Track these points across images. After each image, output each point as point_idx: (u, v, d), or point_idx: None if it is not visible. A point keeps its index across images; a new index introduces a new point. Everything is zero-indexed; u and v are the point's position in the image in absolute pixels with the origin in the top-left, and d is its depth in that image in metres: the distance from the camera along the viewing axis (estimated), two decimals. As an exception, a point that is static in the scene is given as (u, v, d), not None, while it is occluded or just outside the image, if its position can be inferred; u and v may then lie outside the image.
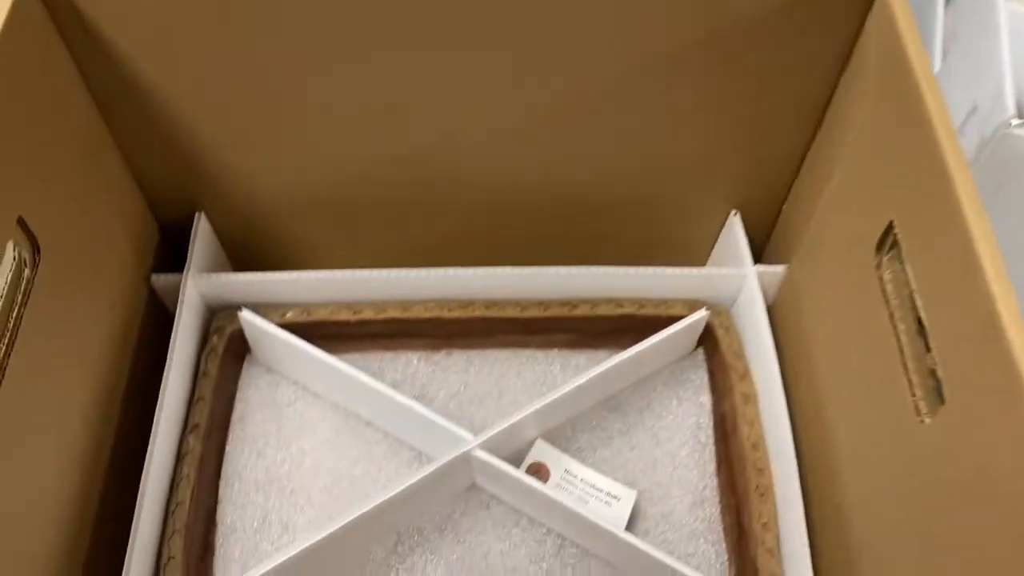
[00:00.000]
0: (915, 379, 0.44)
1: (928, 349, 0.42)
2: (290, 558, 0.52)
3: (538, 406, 0.57)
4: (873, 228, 0.47)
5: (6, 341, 0.44)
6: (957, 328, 0.39)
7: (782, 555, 0.55)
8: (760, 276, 0.62)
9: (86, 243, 0.53)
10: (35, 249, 0.47)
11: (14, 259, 0.45)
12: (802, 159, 0.61)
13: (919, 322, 0.43)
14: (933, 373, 0.41)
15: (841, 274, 0.53)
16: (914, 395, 0.43)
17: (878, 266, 0.47)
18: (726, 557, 0.58)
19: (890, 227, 0.46)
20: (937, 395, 0.41)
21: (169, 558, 0.54)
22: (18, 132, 0.45)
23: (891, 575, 0.47)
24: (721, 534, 0.59)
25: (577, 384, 0.58)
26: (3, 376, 0.44)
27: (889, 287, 0.47)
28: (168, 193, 0.62)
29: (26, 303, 0.46)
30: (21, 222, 0.45)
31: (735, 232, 0.65)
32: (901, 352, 0.45)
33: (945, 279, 0.40)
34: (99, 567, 0.53)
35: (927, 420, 0.42)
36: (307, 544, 0.52)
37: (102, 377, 0.55)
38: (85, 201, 0.53)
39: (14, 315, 0.45)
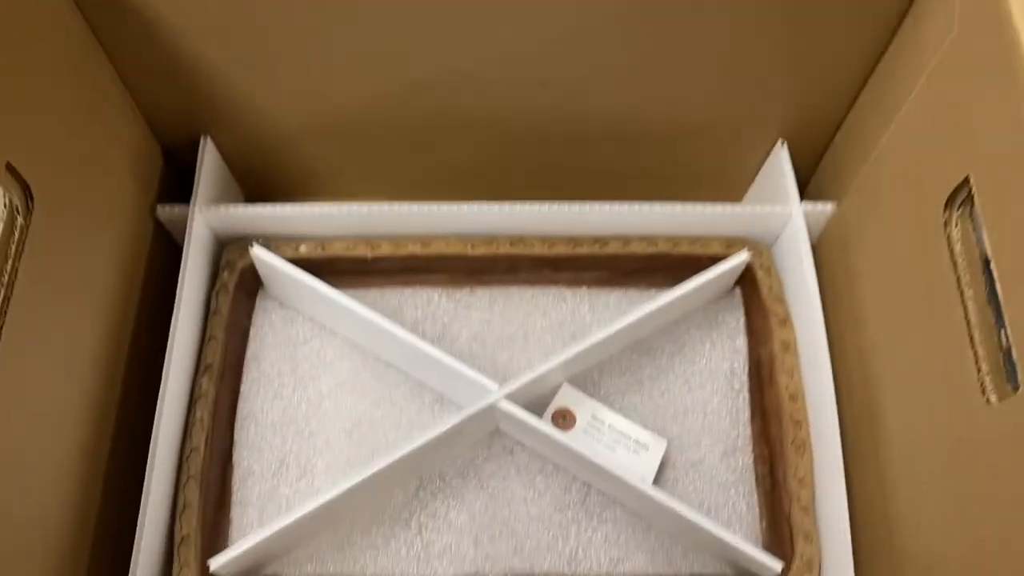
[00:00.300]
0: (982, 353, 0.40)
1: (1001, 324, 0.38)
2: (312, 510, 0.50)
3: (566, 356, 0.54)
4: (944, 180, 0.43)
5: (1, 296, 0.41)
6: (1039, 307, 0.36)
7: (817, 513, 0.53)
8: (806, 215, 0.58)
9: (84, 178, 0.50)
10: (27, 195, 0.43)
11: (4, 207, 0.42)
12: (862, 86, 0.55)
13: (991, 291, 0.39)
14: (1007, 352, 0.38)
15: (901, 224, 0.48)
16: (979, 370, 0.40)
17: (946, 223, 0.43)
18: (757, 510, 0.56)
19: (965, 182, 0.41)
20: (1009, 378, 0.38)
21: (185, 505, 0.53)
22: None
23: (934, 551, 0.45)
24: (753, 485, 0.57)
25: (606, 334, 0.55)
26: (1, 328, 0.41)
27: (957, 247, 0.43)
28: (171, 116, 0.58)
29: (21, 254, 0.43)
30: (10, 168, 0.41)
31: (781, 164, 0.60)
32: (967, 321, 0.41)
33: (1028, 250, 0.36)
34: (113, 517, 0.52)
35: (994, 401, 0.39)
36: (329, 496, 0.50)
37: (109, 319, 0.53)
38: (79, 132, 0.49)
39: (8, 267, 0.42)
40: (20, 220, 0.43)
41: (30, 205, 0.43)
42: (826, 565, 0.51)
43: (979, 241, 0.40)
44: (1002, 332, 0.38)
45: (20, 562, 0.44)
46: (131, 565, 0.49)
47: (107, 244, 0.53)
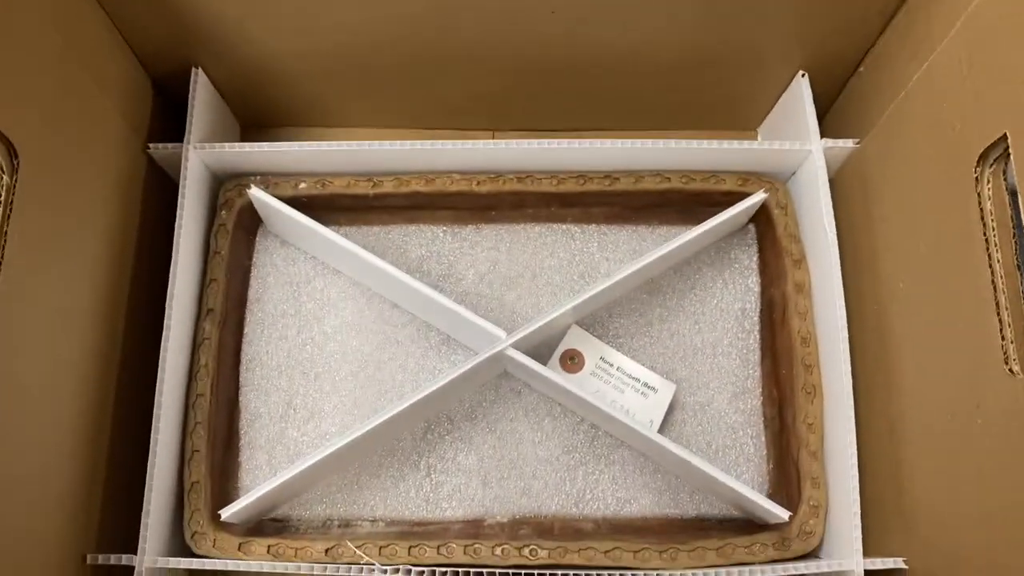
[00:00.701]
0: (1007, 320, 0.39)
1: (1032, 296, 0.37)
2: (321, 458, 0.50)
3: (574, 302, 0.53)
4: (980, 135, 0.41)
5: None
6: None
7: (825, 459, 0.53)
8: (825, 151, 0.55)
9: (70, 122, 0.47)
10: (11, 153, 0.41)
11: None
12: (890, 17, 0.52)
13: (1022, 258, 0.38)
14: (1035, 326, 0.37)
15: (929, 173, 0.46)
16: (1003, 338, 0.39)
17: (978, 179, 0.41)
18: (764, 452, 0.56)
19: (1001, 140, 0.39)
20: (1036, 353, 0.37)
21: (193, 451, 0.53)
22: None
23: (946, 504, 0.45)
24: (761, 427, 0.57)
25: (617, 278, 0.53)
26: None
27: (988, 206, 0.41)
28: (160, 46, 0.55)
29: (9, 214, 0.41)
30: (-10, 128, 0.39)
31: (801, 98, 0.57)
32: (994, 286, 0.40)
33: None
34: (122, 467, 0.52)
35: (1017, 372, 0.38)
36: (338, 445, 0.50)
37: (107, 268, 0.51)
38: (61, 70, 0.46)
39: (-3, 229, 0.40)
40: (5, 179, 0.41)
41: (15, 163, 0.41)
42: (832, 510, 0.52)
43: (1013, 204, 0.38)
44: (1031, 304, 0.37)
45: (33, 512, 0.44)
46: (143, 515, 0.49)
47: (100, 189, 0.51)
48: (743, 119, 0.64)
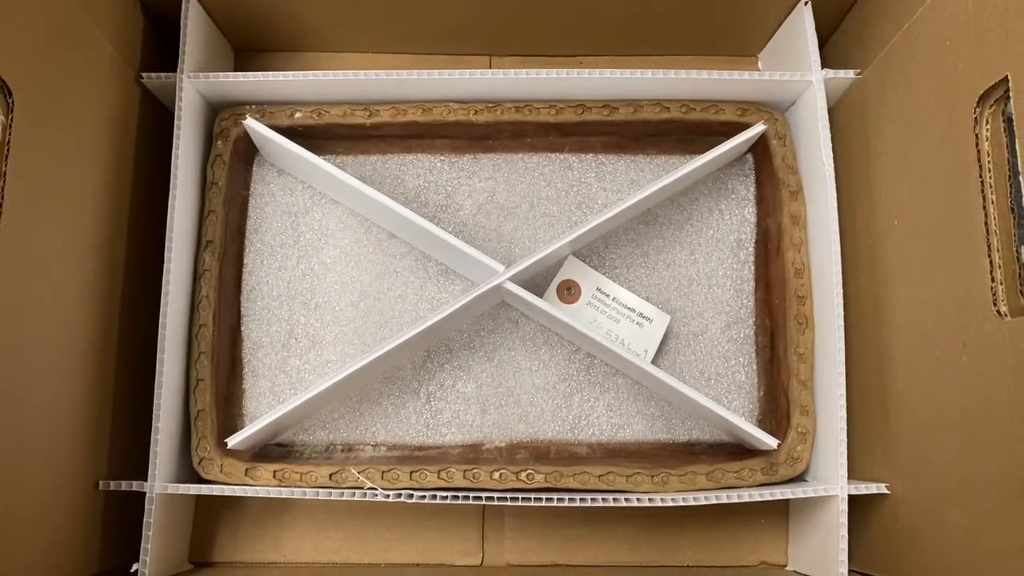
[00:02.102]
0: (998, 262, 0.40)
1: (1023, 239, 0.37)
2: (329, 386, 0.51)
3: (571, 236, 0.54)
4: (981, 74, 0.40)
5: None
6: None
7: (815, 389, 0.54)
8: (825, 82, 0.55)
9: (63, 56, 0.46)
10: (5, 91, 0.40)
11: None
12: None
13: (1017, 201, 0.38)
14: (1023, 269, 0.37)
15: (928, 109, 0.46)
16: (993, 280, 0.40)
17: (977, 120, 0.41)
18: (756, 379, 0.58)
19: (1003, 82, 0.39)
20: (1023, 296, 0.37)
21: (198, 380, 0.54)
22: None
23: (929, 436, 0.46)
24: (753, 356, 0.58)
25: (615, 211, 0.54)
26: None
27: (986, 147, 0.41)
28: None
29: (7, 153, 0.41)
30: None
31: (803, 27, 0.56)
32: (987, 227, 0.40)
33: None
34: (129, 398, 0.53)
35: (1005, 315, 0.39)
36: (339, 376, 0.51)
37: (105, 201, 0.51)
38: (52, 7, 0.45)
39: (-4, 170, 0.40)
40: (1, 118, 0.40)
41: (10, 101, 0.41)
42: (820, 437, 0.53)
43: (1010, 146, 0.39)
44: (1022, 248, 0.37)
45: (45, 441, 0.45)
46: (151, 442, 0.50)
47: (95, 122, 0.50)
48: (744, 44, 0.63)
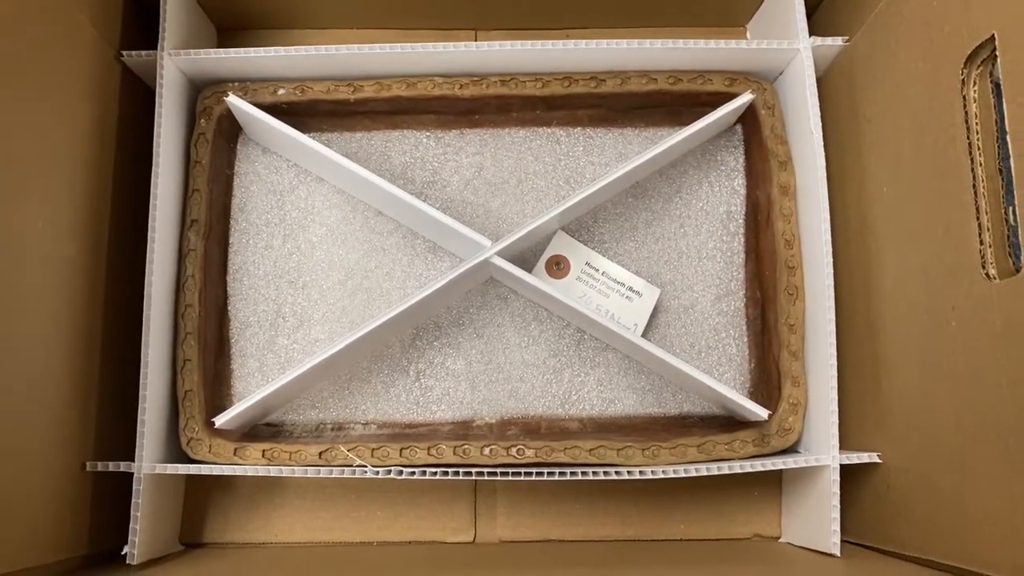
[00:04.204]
0: (987, 224, 0.39)
1: (1010, 201, 0.37)
2: (311, 367, 0.51)
3: (559, 209, 0.53)
4: (969, 35, 0.40)
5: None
6: (1053, 190, 0.34)
7: (806, 359, 0.54)
8: (813, 49, 0.54)
9: (39, 33, 0.46)
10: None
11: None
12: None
13: (1005, 162, 0.38)
14: (1012, 230, 0.37)
15: (916, 73, 0.46)
16: (982, 242, 0.39)
17: (964, 81, 0.41)
18: (747, 351, 0.58)
19: (990, 40, 0.38)
20: (1012, 256, 0.37)
21: (185, 361, 0.54)
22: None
23: (920, 403, 0.46)
24: (744, 328, 0.58)
25: (602, 183, 0.53)
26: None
27: (973, 108, 0.40)
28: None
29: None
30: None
31: (791, -6, 0.55)
32: (975, 190, 0.40)
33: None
34: (116, 379, 0.53)
35: (994, 277, 0.38)
36: (328, 353, 0.51)
37: (86, 180, 0.51)
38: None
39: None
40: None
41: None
42: (811, 408, 0.53)
43: (998, 107, 0.38)
44: (1010, 209, 0.37)
45: (31, 423, 0.45)
46: (138, 423, 0.50)
47: (73, 100, 0.50)
48: (732, 14, 0.63)
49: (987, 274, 0.39)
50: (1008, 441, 0.38)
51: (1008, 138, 0.37)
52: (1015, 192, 0.36)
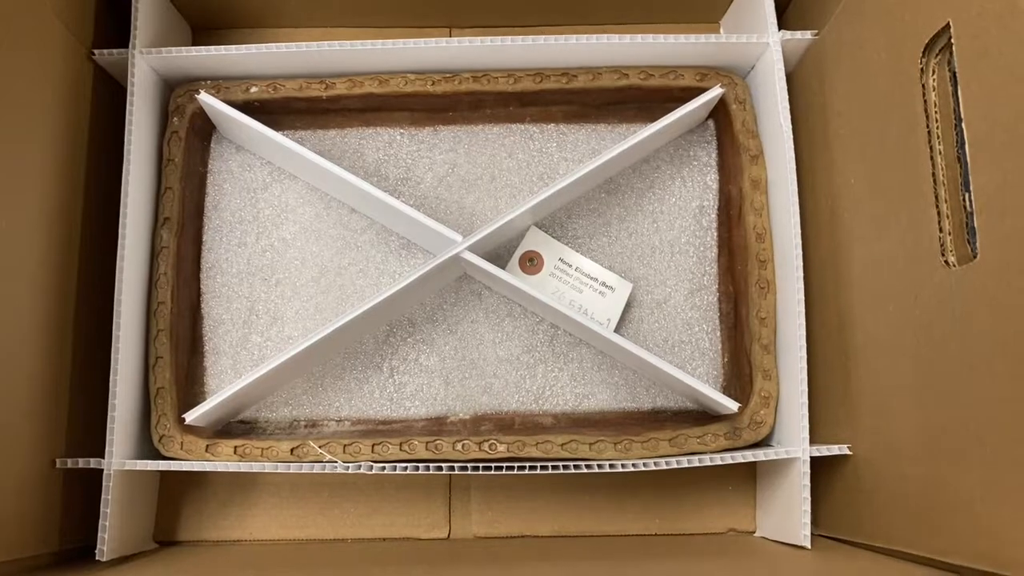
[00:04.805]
0: (946, 212, 0.39)
1: (967, 187, 0.37)
2: (284, 361, 0.51)
3: (530, 203, 0.53)
4: (926, 24, 0.40)
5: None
6: (1006, 174, 0.34)
7: (777, 353, 0.54)
8: (783, 43, 0.55)
9: (7, 31, 0.46)
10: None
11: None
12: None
13: (962, 149, 0.38)
14: (969, 216, 0.37)
15: (879, 65, 0.46)
16: (941, 230, 0.39)
17: (923, 70, 0.41)
18: (720, 346, 0.58)
19: (945, 29, 0.38)
20: (969, 243, 0.37)
21: (157, 358, 0.54)
22: None
23: (887, 393, 0.46)
24: (716, 323, 0.58)
25: (574, 177, 0.53)
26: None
27: (933, 97, 0.40)
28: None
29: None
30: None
31: (760, -12, 0.56)
32: (935, 177, 0.40)
33: (1001, 112, 0.34)
34: (88, 378, 0.53)
35: (953, 263, 0.38)
36: (300, 348, 0.51)
37: (57, 179, 0.51)
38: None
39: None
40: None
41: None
42: (783, 401, 0.53)
43: (954, 93, 0.38)
44: (967, 196, 0.37)
45: (0, 417, 0.45)
46: (108, 419, 0.50)
47: (44, 99, 0.50)
48: (705, 11, 0.63)
49: (946, 261, 0.39)
50: (969, 426, 0.38)
51: (963, 124, 0.37)
52: (971, 178, 0.36)
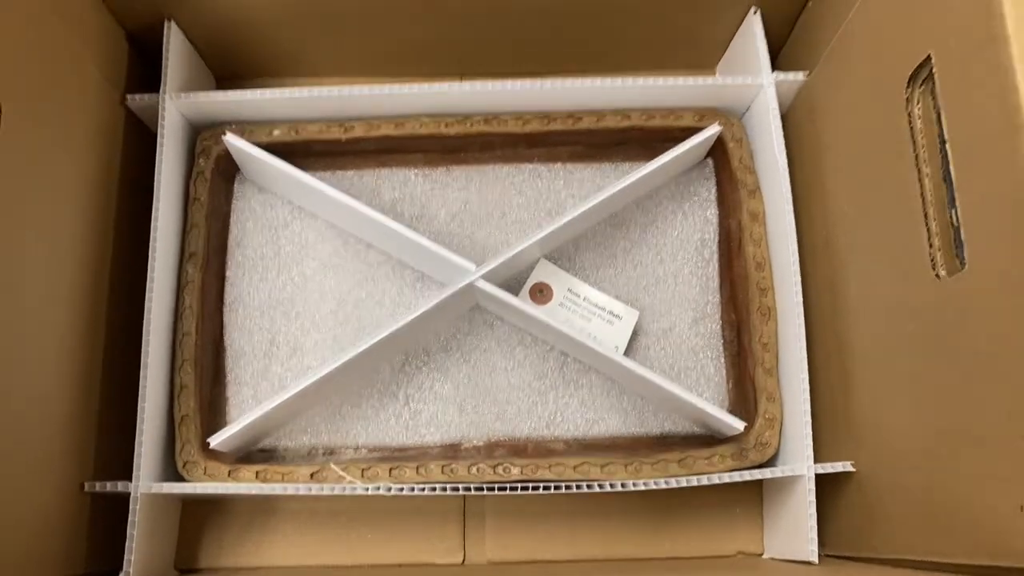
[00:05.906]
0: (935, 229, 0.42)
1: (953, 204, 0.40)
2: (303, 388, 0.53)
3: (540, 235, 0.56)
4: (908, 57, 0.43)
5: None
6: (988, 188, 0.37)
7: (780, 376, 0.56)
8: (777, 84, 0.58)
9: (50, 77, 0.49)
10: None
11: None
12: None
13: (947, 169, 0.41)
14: (956, 230, 0.40)
15: (867, 98, 0.49)
16: (931, 246, 0.42)
17: (908, 100, 0.44)
18: (724, 372, 0.60)
19: (928, 60, 0.42)
20: (957, 256, 0.40)
21: (182, 387, 0.56)
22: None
23: (886, 407, 0.48)
24: (720, 349, 0.60)
25: (581, 210, 0.56)
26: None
27: (919, 124, 0.43)
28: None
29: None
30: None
31: (753, 34, 0.59)
32: (923, 198, 0.43)
33: (982, 132, 0.37)
34: (115, 403, 0.55)
35: (943, 276, 0.41)
36: (319, 375, 0.53)
37: (91, 215, 0.53)
38: (40, 27, 0.48)
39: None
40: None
41: (-2, 116, 0.43)
42: (787, 422, 0.55)
43: (937, 119, 0.41)
44: (953, 212, 0.40)
45: (32, 442, 0.47)
46: (136, 444, 0.52)
47: (80, 141, 0.53)
48: (702, 58, 0.66)
49: (937, 275, 0.41)
50: (964, 429, 0.40)
51: (947, 146, 0.40)
52: (956, 194, 0.39)
